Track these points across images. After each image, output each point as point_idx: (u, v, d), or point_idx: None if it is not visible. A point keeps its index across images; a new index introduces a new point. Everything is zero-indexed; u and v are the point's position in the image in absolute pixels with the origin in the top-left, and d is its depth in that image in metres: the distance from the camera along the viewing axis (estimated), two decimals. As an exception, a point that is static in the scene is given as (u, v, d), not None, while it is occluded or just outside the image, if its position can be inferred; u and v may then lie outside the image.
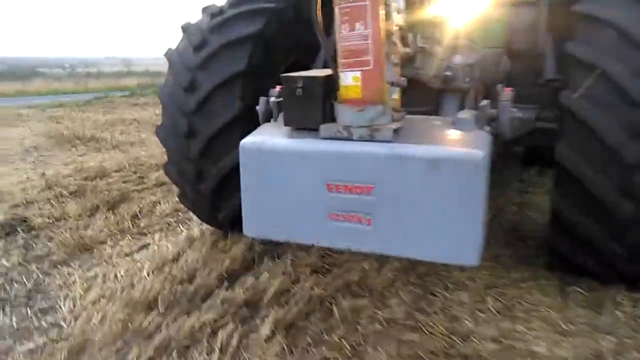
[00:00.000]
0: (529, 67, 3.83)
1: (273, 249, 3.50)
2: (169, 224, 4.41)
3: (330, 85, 2.14)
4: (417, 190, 1.93)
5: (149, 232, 4.21)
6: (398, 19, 2.35)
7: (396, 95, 2.43)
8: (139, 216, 4.56)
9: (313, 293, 2.93)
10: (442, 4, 2.89)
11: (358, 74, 2.00)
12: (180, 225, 4.33)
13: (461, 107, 3.09)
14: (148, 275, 3.26)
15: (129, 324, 2.67)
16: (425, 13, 2.87)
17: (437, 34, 2.90)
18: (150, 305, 2.84)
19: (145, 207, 4.80)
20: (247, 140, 2.18)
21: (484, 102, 2.22)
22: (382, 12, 2.00)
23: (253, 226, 2.24)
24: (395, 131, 2.04)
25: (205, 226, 4.14)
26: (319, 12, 2.17)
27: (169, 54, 3.71)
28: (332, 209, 2.06)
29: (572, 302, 2.87)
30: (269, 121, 2.49)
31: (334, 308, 2.78)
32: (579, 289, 2.95)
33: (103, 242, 3.95)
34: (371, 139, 2.01)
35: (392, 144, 1.97)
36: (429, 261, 2.12)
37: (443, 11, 2.90)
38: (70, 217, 4.50)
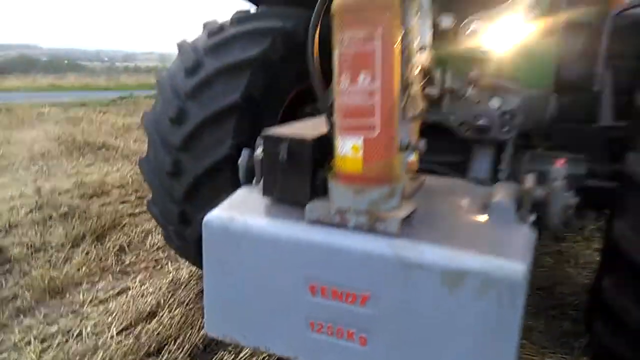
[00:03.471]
0: (578, 104, 3.24)
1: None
2: (156, 261, 3.96)
3: (324, 148, 1.62)
4: (429, 309, 1.39)
5: (133, 272, 3.77)
6: (422, 59, 1.83)
7: (413, 156, 1.90)
8: (126, 250, 4.12)
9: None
10: (478, 35, 2.34)
11: (359, 141, 1.47)
12: (169, 264, 3.88)
13: (497, 162, 2.54)
14: (115, 335, 2.80)
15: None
16: (456, 46, 2.33)
17: (471, 71, 2.35)
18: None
19: (135, 237, 4.36)
20: (213, 215, 1.68)
21: (530, 179, 1.67)
22: (397, 55, 1.48)
23: (216, 324, 1.74)
24: (406, 219, 1.51)
25: (195, 268, 3.69)
26: (315, 50, 1.67)
27: (160, 75, 3.26)
28: (315, 317, 1.54)
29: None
30: (252, 180, 1.99)
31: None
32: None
33: (78, 284, 3.51)
34: (371, 231, 1.49)
35: (398, 241, 1.44)
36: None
37: (479, 44, 2.35)
38: (52, 247, 4.10)
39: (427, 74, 2.15)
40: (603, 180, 2.71)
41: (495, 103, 2.37)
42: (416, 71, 1.78)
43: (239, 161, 2.01)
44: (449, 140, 2.57)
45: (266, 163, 1.72)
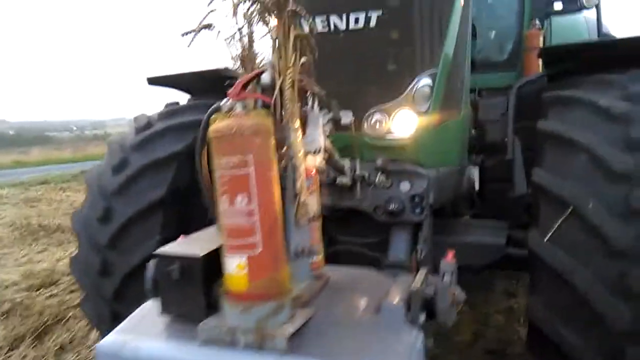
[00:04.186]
0: (499, 170, 3.37)
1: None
2: None
3: (217, 263, 1.64)
4: None
5: (72, 374, 3.61)
6: (316, 161, 1.89)
7: (317, 257, 1.92)
8: (67, 348, 3.96)
9: None
10: (381, 126, 2.45)
11: (243, 259, 1.49)
12: (112, 360, 3.73)
13: (414, 240, 2.60)
14: None
15: None
16: (362, 137, 2.43)
17: (379, 158, 2.45)
18: None
19: (78, 332, 4.19)
20: (106, 342, 1.65)
21: (420, 277, 1.71)
22: (274, 176, 1.54)
23: None
24: (297, 332, 1.52)
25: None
26: (204, 170, 1.72)
27: (88, 176, 3.27)
28: None
29: None
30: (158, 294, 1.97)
31: None
32: None
33: (11, 395, 3.34)
34: (261, 349, 1.48)
35: (285, 359, 1.45)
36: None
37: (383, 134, 2.45)
38: (-12, 352, 3.91)
39: (335, 166, 2.22)
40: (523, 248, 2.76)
41: (404, 187, 2.45)
42: (310, 175, 1.83)
43: (145, 273, 1.99)
44: (368, 222, 2.62)
45: (162, 281, 1.72)
